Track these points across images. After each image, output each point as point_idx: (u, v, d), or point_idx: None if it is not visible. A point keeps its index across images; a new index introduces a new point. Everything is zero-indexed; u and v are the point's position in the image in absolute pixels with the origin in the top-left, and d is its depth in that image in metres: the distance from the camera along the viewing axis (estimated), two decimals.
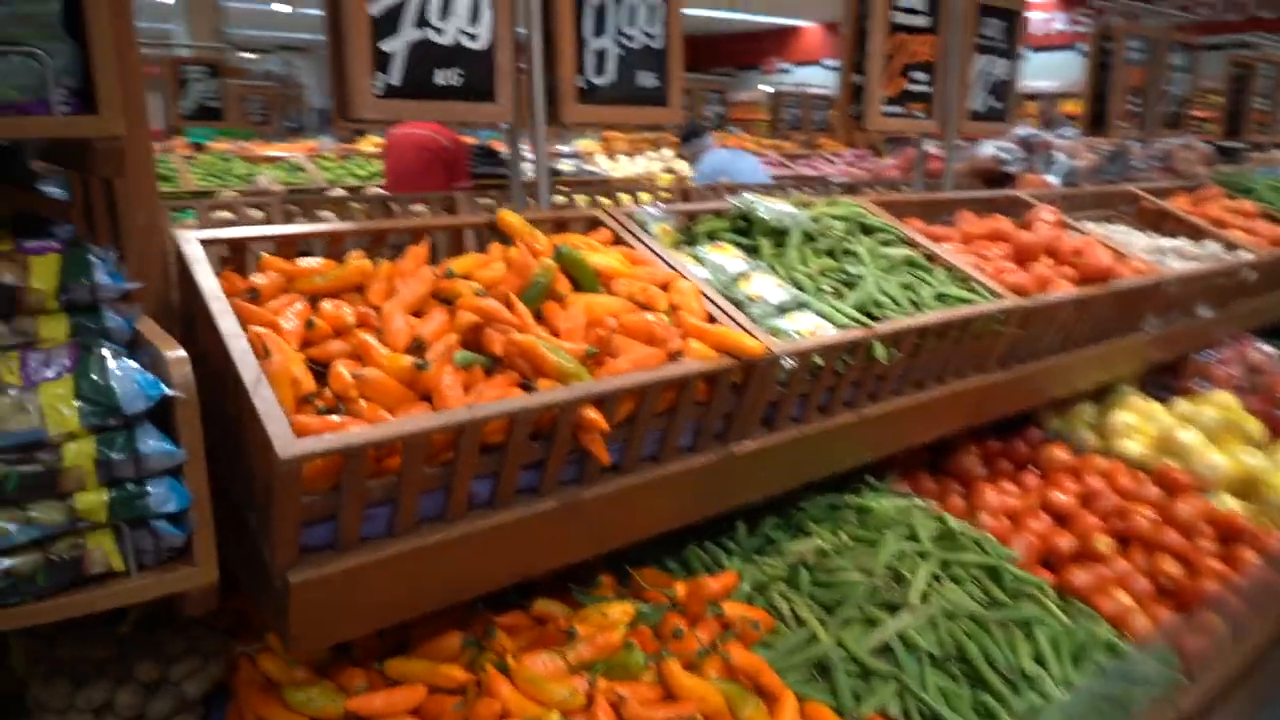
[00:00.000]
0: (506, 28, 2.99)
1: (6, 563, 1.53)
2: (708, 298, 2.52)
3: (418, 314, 2.21)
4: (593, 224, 2.86)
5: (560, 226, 2.80)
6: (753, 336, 2.33)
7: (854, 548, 2.75)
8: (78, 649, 2.15)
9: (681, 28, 3.51)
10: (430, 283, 2.26)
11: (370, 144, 10.94)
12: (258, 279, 2.14)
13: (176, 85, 9.04)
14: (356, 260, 2.27)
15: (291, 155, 9.77)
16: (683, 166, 11.58)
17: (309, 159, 9.54)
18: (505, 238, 2.60)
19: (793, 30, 28.35)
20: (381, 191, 3.75)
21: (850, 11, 4.20)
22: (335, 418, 1.78)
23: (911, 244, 3.33)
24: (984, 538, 2.84)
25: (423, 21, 2.82)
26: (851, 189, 6.03)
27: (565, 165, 10.70)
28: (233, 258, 2.26)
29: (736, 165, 7.17)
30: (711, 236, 3.13)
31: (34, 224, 2.14)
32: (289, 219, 3.52)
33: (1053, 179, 6.44)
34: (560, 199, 4.93)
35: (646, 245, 2.75)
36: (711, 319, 2.43)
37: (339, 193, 3.81)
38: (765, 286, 2.70)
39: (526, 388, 2.03)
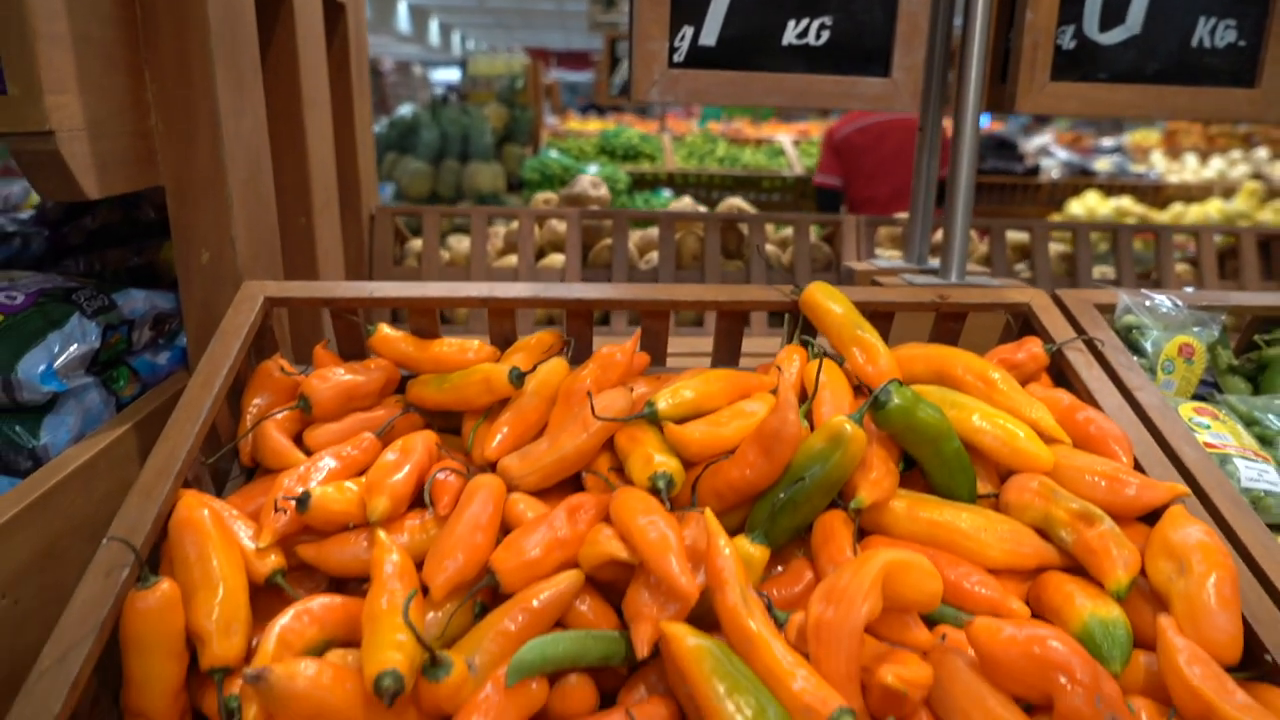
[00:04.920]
0: None
1: None
2: None
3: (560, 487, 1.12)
4: (1020, 325, 1.43)
5: (948, 322, 1.43)
6: None
7: None
8: None
9: None
10: (601, 432, 1.14)
11: None
12: (321, 380, 1.24)
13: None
14: (487, 367, 1.25)
15: (778, 138, 9.15)
16: None
17: (794, 143, 8.81)
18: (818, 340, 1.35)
19: None
20: (743, 208, 2.66)
21: None
22: None
23: None
24: None
25: None
26: None
27: (1100, 163, 8.38)
28: (346, 320, 1.40)
29: None
30: None
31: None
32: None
33: None
34: (1095, 236, 2.92)
35: (1124, 391, 1.26)
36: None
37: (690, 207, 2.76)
38: None
39: None
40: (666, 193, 7.42)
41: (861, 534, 1.09)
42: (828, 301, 1.32)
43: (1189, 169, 8.21)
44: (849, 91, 1.73)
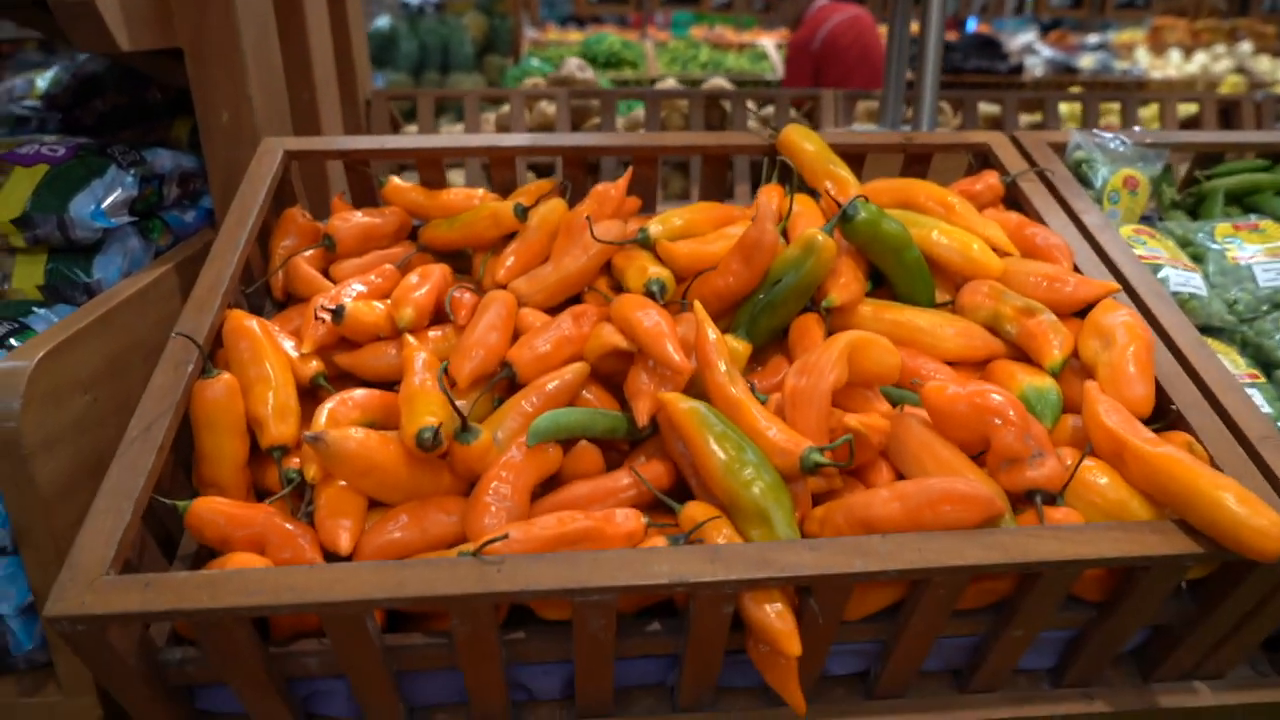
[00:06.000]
0: None
1: None
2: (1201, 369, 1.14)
3: (564, 305, 1.26)
4: (981, 165, 1.55)
5: (914, 165, 1.56)
6: (1268, 512, 0.95)
7: None
8: None
9: None
10: (600, 254, 1.27)
11: None
12: (343, 220, 1.36)
13: None
14: (493, 204, 1.37)
15: (760, 42, 9.08)
16: (1267, 67, 8.37)
17: (777, 47, 8.75)
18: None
19: None
20: (727, 86, 2.75)
21: None
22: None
23: None
24: None
25: None
26: None
27: (1085, 60, 8.36)
28: (358, 174, 1.51)
29: None
30: (1240, 199, 1.59)
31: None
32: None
33: None
34: (1065, 108, 2.84)
35: (1070, 214, 1.39)
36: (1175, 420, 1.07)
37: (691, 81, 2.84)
38: None
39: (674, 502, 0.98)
40: None
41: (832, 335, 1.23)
42: (803, 141, 1.43)
43: (1172, 64, 8.22)
44: None
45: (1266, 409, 1.23)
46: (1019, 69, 7.83)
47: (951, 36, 8.77)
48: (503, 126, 2.49)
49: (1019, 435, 0.98)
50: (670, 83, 2.64)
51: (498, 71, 7.97)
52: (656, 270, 1.20)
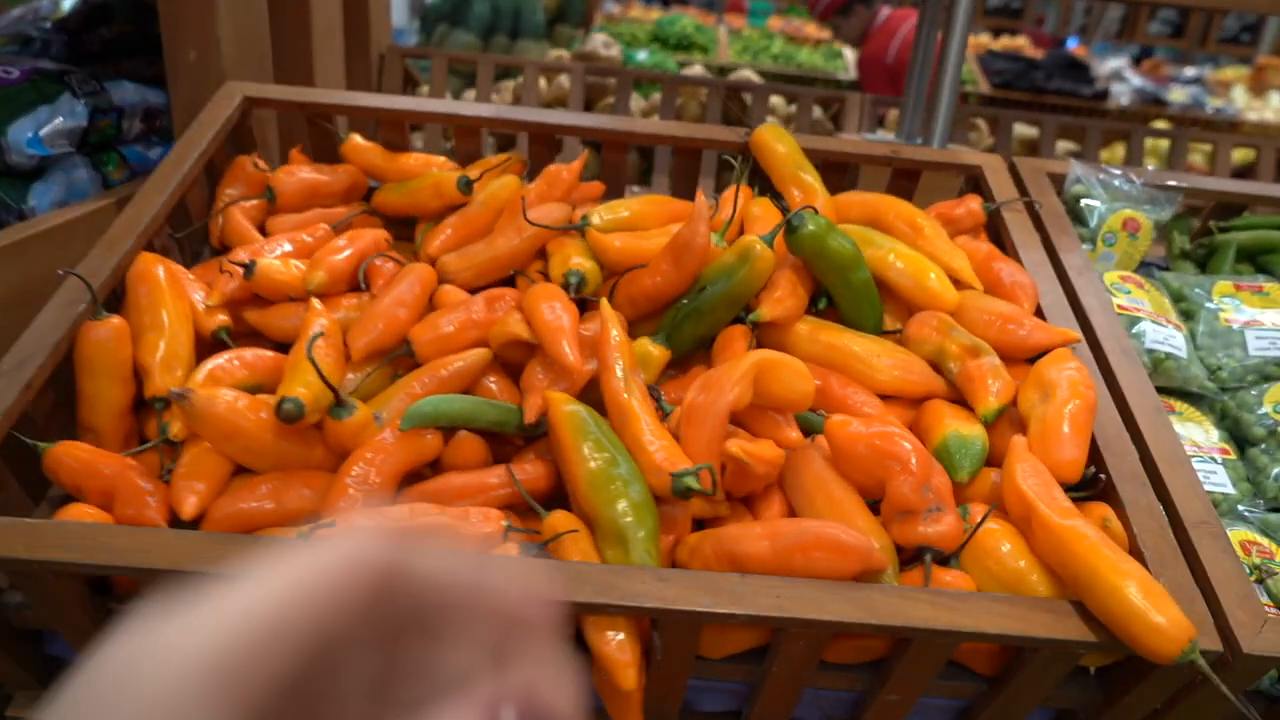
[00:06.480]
0: None
1: None
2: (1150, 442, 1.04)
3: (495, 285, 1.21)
4: (973, 188, 1.45)
5: (905, 178, 1.46)
6: (1168, 618, 0.86)
7: None
8: None
9: None
10: (535, 237, 1.21)
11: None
12: (288, 174, 1.33)
13: None
14: (437, 173, 1.32)
15: (836, 42, 8.87)
16: None
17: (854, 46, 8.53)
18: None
19: None
20: (753, 79, 2.65)
21: None
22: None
23: None
24: None
25: None
26: None
27: (1175, 94, 7.97)
28: (319, 128, 1.47)
29: None
30: (1255, 257, 1.46)
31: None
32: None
33: None
34: (1149, 142, 2.59)
35: (1051, 251, 1.29)
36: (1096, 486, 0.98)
37: (747, 76, 2.77)
38: None
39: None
40: None
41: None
42: (775, 143, 1.35)
43: (1271, 108, 7.78)
44: None
45: (1228, 489, 1.13)
46: (1104, 95, 7.50)
47: (1039, 54, 8.45)
48: (517, 97, 2.44)
49: (916, 486, 0.90)
50: (697, 69, 2.56)
51: (567, 41, 7.88)
52: (579, 262, 1.14)
